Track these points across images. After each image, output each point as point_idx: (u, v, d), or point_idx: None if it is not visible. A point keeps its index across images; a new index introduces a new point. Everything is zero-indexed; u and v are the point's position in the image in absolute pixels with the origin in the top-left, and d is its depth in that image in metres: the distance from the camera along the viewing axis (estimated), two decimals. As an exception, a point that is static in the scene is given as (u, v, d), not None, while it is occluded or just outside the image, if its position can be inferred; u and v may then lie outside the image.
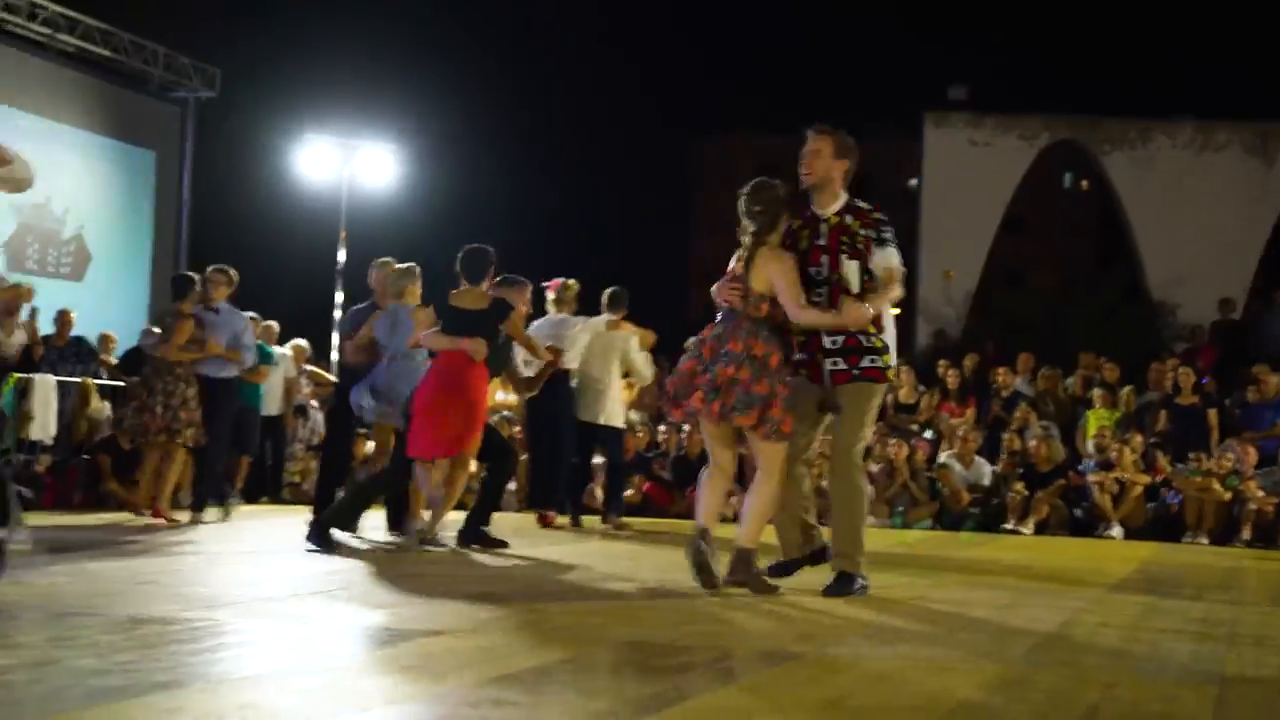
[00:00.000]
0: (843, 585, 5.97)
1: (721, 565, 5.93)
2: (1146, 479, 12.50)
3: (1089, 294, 23.42)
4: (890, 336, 6.16)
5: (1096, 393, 14.14)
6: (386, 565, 7.08)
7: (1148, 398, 14.30)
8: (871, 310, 5.90)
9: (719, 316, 6.01)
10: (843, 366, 5.99)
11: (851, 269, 5.97)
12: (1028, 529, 12.25)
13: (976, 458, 13.25)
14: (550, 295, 10.70)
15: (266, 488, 13.80)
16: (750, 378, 5.75)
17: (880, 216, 6.06)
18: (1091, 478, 12.50)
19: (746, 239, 5.97)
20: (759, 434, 5.81)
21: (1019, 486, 12.57)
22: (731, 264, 6.07)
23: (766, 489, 5.92)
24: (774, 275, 5.85)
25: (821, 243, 6.00)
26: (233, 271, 10.86)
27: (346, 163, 21.43)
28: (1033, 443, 13.04)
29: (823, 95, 73.12)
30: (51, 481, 11.96)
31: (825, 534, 6.23)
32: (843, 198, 6.11)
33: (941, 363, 15.62)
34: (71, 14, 18.02)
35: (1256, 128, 23.11)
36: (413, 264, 9.12)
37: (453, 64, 68.12)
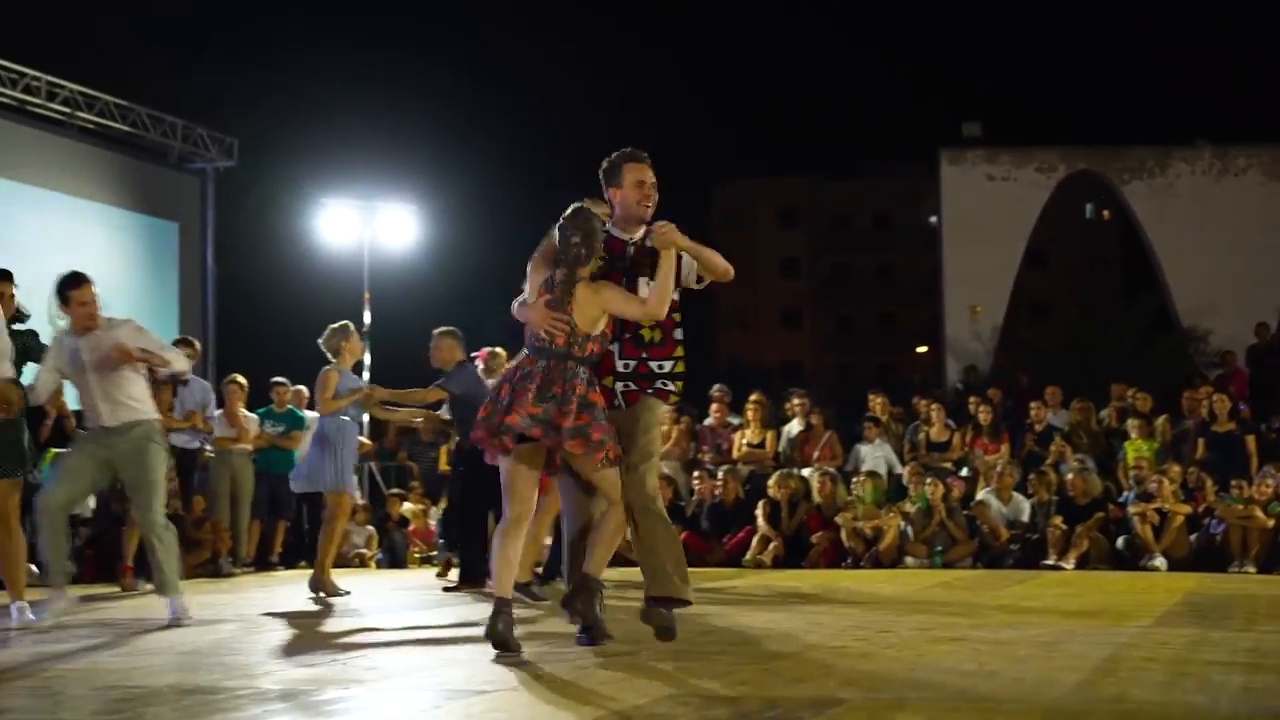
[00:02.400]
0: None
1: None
2: (1187, 509, 12.36)
3: (1116, 324, 23.34)
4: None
5: (1133, 423, 14.02)
6: (431, 624, 7.06)
7: (1183, 426, 14.19)
8: (679, 236, 5.66)
9: (527, 351, 5.75)
10: (634, 389, 5.82)
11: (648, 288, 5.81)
12: (1069, 564, 12.13)
13: (1014, 494, 13.14)
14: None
15: (304, 552, 13.79)
16: (577, 417, 5.53)
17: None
18: (1132, 509, 12.37)
19: (562, 272, 5.70)
20: (594, 460, 5.57)
21: (1058, 521, 12.46)
22: (529, 291, 5.82)
23: (616, 516, 5.73)
24: (609, 305, 5.65)
25: (622, 266, 5.83)
26: (196, 343, 11.42)
27: (367, 224, 21.56)
28: (1069, 476, 12.93)
29: (839, 136, 73.49)
30: (92, 555, 11.96)
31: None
32: (643, 226, 5.93)
33: (973, 399, 15.54)
34: (90, 92, 18.27)
35: (1275, 150, 23.07)
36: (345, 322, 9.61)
37: (471, 121, 68.64)
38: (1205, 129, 26.44)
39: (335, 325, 9.58)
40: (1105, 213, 50.33)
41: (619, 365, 5.82)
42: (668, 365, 5.86)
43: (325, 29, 67.48)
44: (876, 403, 15.49)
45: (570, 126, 70.66)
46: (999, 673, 4.87)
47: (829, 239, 57.98)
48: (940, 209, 24.68)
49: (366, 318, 21.07)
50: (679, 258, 5.75)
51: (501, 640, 5.41)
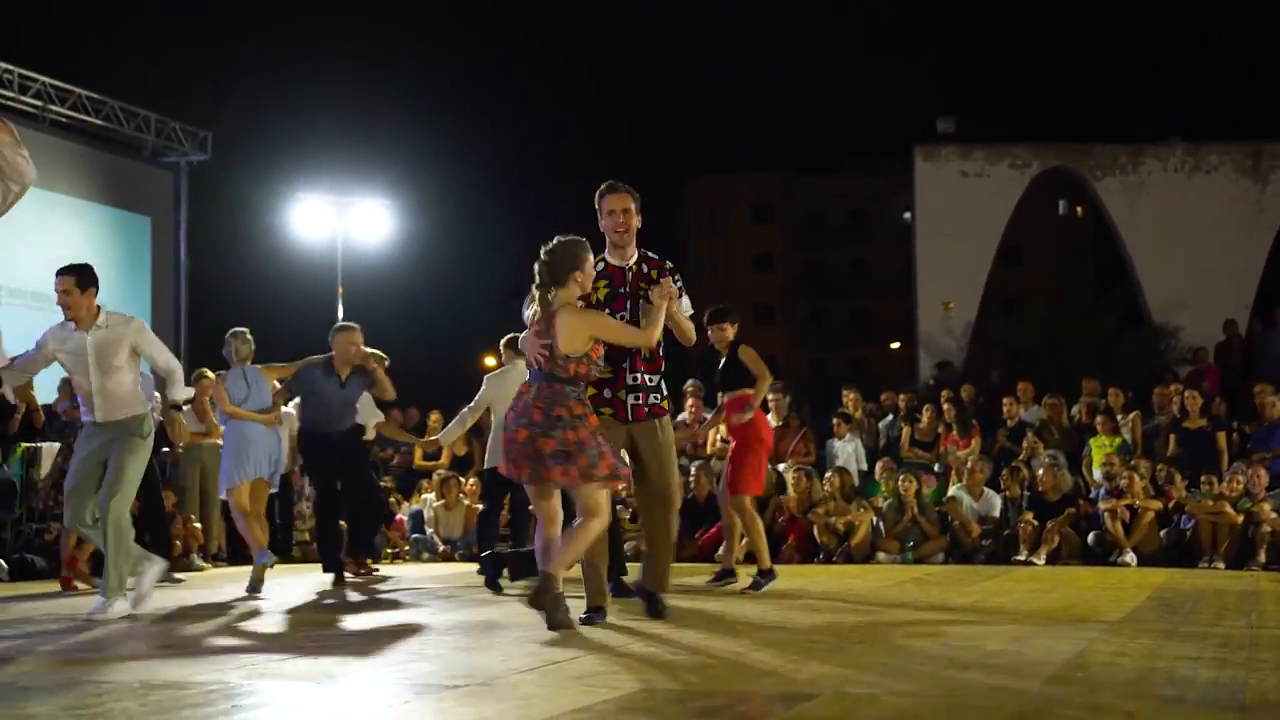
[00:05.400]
0: (658, 606, 6.61)
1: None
2: (1158, 504, 12.43)
3: (1089, 320, 23.43)
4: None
5: (1099, 420, 14.10)
6: (400, 619, 7.05)
7: (1155, 422, 14.26)
8: (674, 290, 6.42)
9: (530, 375, 6.30)
10: (641, 402, 6.54)
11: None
12: (1040, 560, 12.18)
13: (986, 489, 13.19)
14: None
15: (276, 547, 13.73)
16: (560, 439, 6.00)
17: (670, 265, 6.69)
18: (1102, 505, 12.43)
19: (538, 295, 6.24)
20: (572, 479, 6.05)
21: (1029, 517, 12.51)
22: (527, 316, 6.44)
23: (591, 527, 6.15)
24: (598, 332, 6.16)
25: (624, 291, 6.54)
26: None
27: (340, 219, 21.49)
28: (1040, 472, 12.98)
29: (813, 133, 73.61)
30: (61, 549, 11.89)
31: None
32: (635, 249, 6.65)
33: (944, 393, 15.59)
34: (63, 85, 18.15)
35: (1247, 148, 23.18)
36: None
37: (444, 116, 68.46)
38: (1178, 126, 26.62)
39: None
40: (1078, 209, 50.56)
41: (629, 379, 6.53)
42: (656, 378, 6.63)
43: (299, 22, 67.20)
44: (849, 398, 15.53)
45: (544, 122, 70.58)
46: (970, 667, 4.89)
47: (803, 234, 58.07)
48: (914, 205, 24.73)
49: (340, 312, 21.01)
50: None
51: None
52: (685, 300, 6.71)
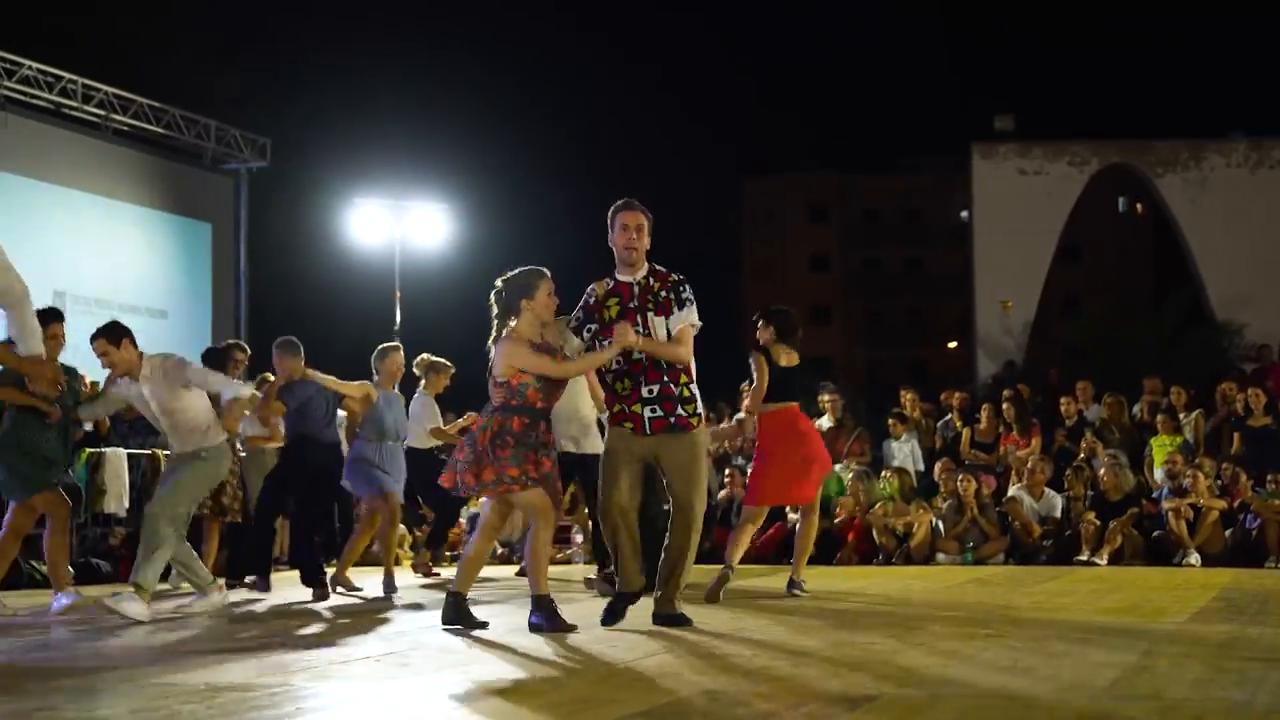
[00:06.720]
0: (679, 622, 6.44)
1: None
2: (1222, 504, 12.26)
3: (1150, 318, 23.21)
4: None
5: (1160, 419, 13.93)
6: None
7: (1215, 420, 14.07)
8: (634, 337, 6.34)
9: None
10: (660, 414, 6.43)
11: (659, 324, 6.47)
12: (1102, 560, 12.06)
13: (1047, 489, 13.07)
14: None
15: (334, 550, 13.81)
16: (470, 449, 6.32)
17: (678, 278, 6.60)
18: (1166, 505, 12.28)
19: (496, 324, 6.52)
20: (493, 493, 6.39)
21: (1091, 517, 12.38)
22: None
23: (538, 534, 6.35)
24: (519, 363, 6.30)
25: (633, 305, 6.49)
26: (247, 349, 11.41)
27: (398, 223, 21.62)
28: (1101, 472, 12.84)
29: (868, 132, 73.28)
30: (127, 554, 12.03)
31: None
32: (645, 265, 6.60)
33: (1005, 393, 15.46)
34: (125, 94, 18.42)
35: (1311, 142, 22.89)
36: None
37: (501, 119, 68.77)
38: (1240, 121, 26.28)
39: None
40: (1139, 206, 50.00)
41: (643, 392, 6.46)
42: (679, 388, 6.48)
43: (356, 29, 67.73)
44: (907, 398, 15.43)
45: (603, 124, 70.64)
46: (1033, 669, 4.84)
47: (859, 234, 57.79)
48: (972, 203, 24.59)
49: (397, 317, 21.13)
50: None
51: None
52: (690, 310, 6.50)
